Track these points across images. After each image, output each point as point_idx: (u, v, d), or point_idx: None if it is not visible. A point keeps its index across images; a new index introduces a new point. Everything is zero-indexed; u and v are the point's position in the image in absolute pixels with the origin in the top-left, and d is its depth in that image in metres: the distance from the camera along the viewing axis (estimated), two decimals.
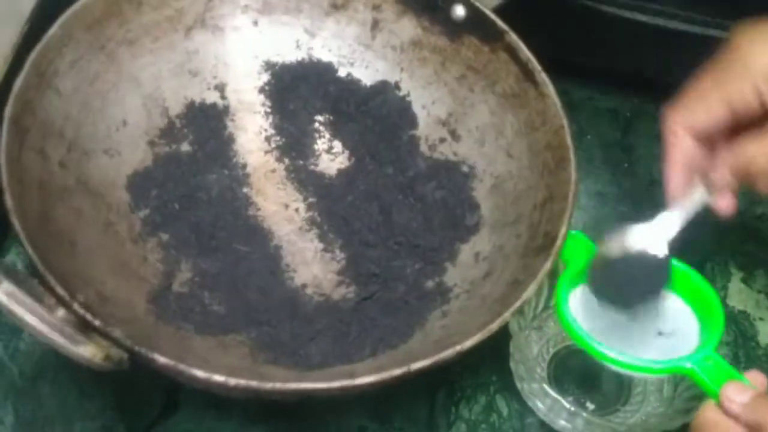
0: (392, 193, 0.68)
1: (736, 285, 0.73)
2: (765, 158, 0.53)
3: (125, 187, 0.64)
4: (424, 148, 0.69)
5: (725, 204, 0.57)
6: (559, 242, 0.55)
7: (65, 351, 0.45)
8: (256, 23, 0.70)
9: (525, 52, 0.64)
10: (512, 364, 0.63)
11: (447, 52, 0.69)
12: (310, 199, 0.69)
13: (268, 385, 0.48)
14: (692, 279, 0.59)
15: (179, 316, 0.59)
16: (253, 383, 0.48)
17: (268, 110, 0.71)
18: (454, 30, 0.68)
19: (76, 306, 0.49)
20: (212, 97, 0.70)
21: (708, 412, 0.51)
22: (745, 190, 0.57)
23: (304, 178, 0.70)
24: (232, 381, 0.48)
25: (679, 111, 0.56)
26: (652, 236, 0.58)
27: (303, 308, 0.62)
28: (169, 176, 0.66)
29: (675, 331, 0.59)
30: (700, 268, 0.71)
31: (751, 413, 0.49)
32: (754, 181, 0.54)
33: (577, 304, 0.58)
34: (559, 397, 0.59)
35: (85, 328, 0.49)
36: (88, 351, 0.45)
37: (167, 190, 0.65)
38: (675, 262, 0.59)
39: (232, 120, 0.70)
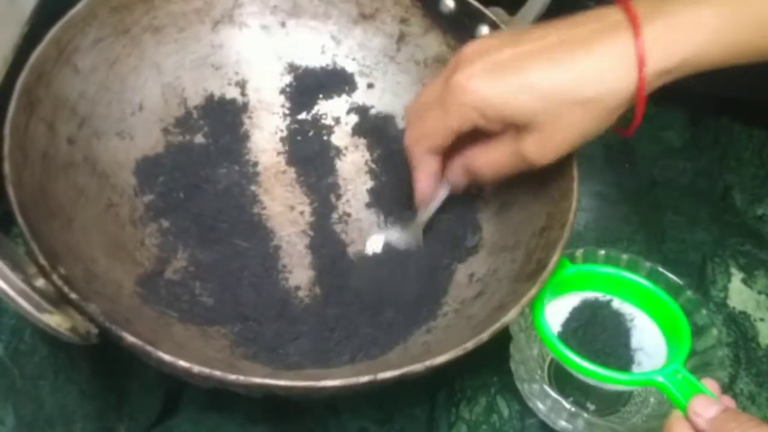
0: (398, 205, 0.67)
1: (736, 286, 0.72)
2: (488, 166, 0.58)
3: (133, 171, 0.64)
4: None
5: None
6: (549, 269, 0.54)
7: (30, 317, 0.45)
8: (283, 24, 0.71)
9: None
10: (513, 365, 0.62)
11: None
12: (316, 204, 0.69)
13: (231, 377, 0.47)
14: (659, 298, 0.61)
15: (165, 303, 0.59)
16: (217, 373, 0.47)
17: (287, 112, 0.71)
18: None
19: (54, 277, 0.49)
20: (232, 92, 0.70)
21: (676, 426, 0.52)
22: None
23: (313, 182, 0.70)
24: (196, 368, 0.47)
25: (419, 140, 0.59)
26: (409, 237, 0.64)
27: (291, 309, 0.62)
28: (179, 165, 0.66)
29: (643, 347, 0.61)
30: (700, 268, 0.73)
31: (716, 428, 0.51)
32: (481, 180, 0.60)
33: (554, 316, 0.60)
34: (560, 398, 0.59)
35: (62, 300, 0.49)
36: (53, 320, 0.45)
37: (174, 178, 0.66)
38: (642, 280, 0.62)
39: (250, 117, 0.71)
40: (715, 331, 0.61)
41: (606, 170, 0.79)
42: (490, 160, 0.57)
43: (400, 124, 0.71)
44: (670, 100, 0.81)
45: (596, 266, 0.63)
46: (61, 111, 0.60)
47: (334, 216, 0.68)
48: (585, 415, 0.59)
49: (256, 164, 0.69)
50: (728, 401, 0.53)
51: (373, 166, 0.70)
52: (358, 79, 0.72)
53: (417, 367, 0.49)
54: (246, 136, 0.70)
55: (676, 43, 0.51)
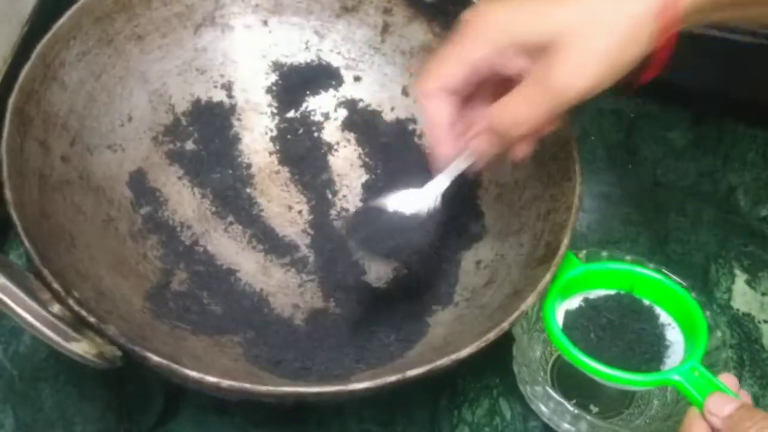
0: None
1: (740, 287, 0.72)
2: (516, 118, 0.50)
3: (127, 183, 0.63)
4: (429, 154, 0.68)
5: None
6: (561, 253, 0.54)
7: (57, 347, 0.44)
8: (266, 23, 0.70)
9: None
10: (515, 367, 0.62)
11: None
12: (313, 202, 0.68)
13: (262, 388, 0.47)
14: (676, 292, 0.59)
15: (176, 315, 0.58)
16: (246, 385, 0.47)
17: (275, 111, 0.71)
18: None
19: (71, 302, 0.48)
20: (219, 95, 0.69)
21: (693, 425, 0.52)
22: None
23: (308, 180, 0.69)
24: (225, 383, 0.47)
25: (424, 77, 0.53)
26: (421, 200, 0.56)
27: (297, 315, 0.62)
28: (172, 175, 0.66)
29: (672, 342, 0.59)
30: (704, 270, 0.73)
31: (731, 427, 0.50)
32: (505, 144, 0.52)
33: (565, 317, 0.59)
34: (563, 400, 0.59)
35: (80, 324, 0.49)
36: (80, 347, 0.44)
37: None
38: (659, 275, 0.60)
39: (239, 119, 0.70)
40: (719, 333, 0.60)
41: (608, 171, 0.78)
42: (515, 108, 0.50)
43: (389, 115, 0.70)
44: (674, 100, 0.81)
45: (608, 263, 0.61)
46: (53, 128, 0.59)
47: (333, 212, 0.68)
48: (588, 417, 0.59)
49: (249, 166, 0.69)
50: (747, 397, 0.52)
51: (367, 159, 0.70)
52: (344, 72, 0.71)
53: (444, 361, 0.49)
54: (236, 139, 0.69)
55: None
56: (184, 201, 0.66)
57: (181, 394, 0.62)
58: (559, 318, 0.58)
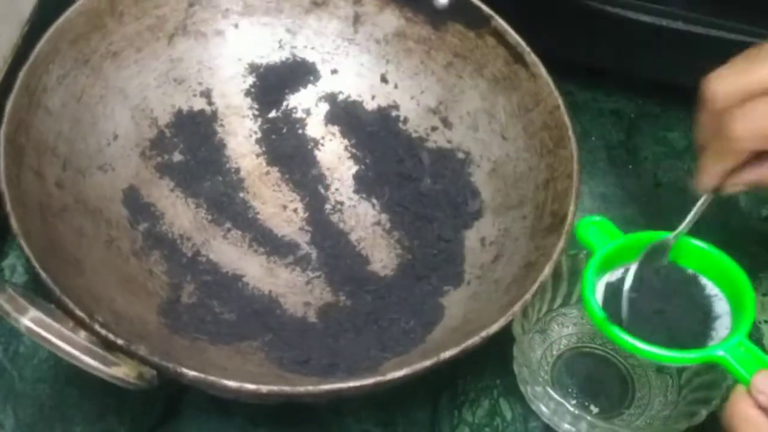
0: (388, 184, 0.68)
1: None
2: None
3: (122, 201, 0.63)
4: (415, 137, 0.69)
5: None
6: (569, 221, 0.55)
7: (98, 372, 0.44)
8: (237, 26, 0.70)
9: (513, 36, 0.64)
10: (516, 368, 0.62)
11: (432, 41, 0.69)
12: (307, 199, 0.68)
13: (301, 389, 0.48)
14: (724, 263, 0.57)
15: (192, 328, 0.58)
16: (286, 388, 0.47)
17: (256, 113, 0.71)
18: (438, 18, 0.67)
19: (97, 327, 0.48)
20: (199, 103, 0.69)
21: (739, 403, 0.49)
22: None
23: (298, 178, 0.69)
24: (265, 388, 0.47)
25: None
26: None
27: (310, 312, 0.62)
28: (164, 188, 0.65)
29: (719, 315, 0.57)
30: None
31: None
32: None
33: (606, 290, 0.57)
34: (563, 401, 0.58)
35: (108, 348, 0.49)
36: (120, 371, 0.44)
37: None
38: (706, 245, 0.58)
39: (222, 125, 0.69)
40: None
41: (609, 172, 0.78)
42: None
43: (371, 104, 0.71)
44: (674, 100, 0.80)
45: (651, 232, 0.58)
46: (44, 156, 0.58)
47: (327, 207, 0.68)
48: (588, 417, 0.58)
49: (238, 171, 0.69)
50: None
51: (354, 150, 0.70)
52: (320, 67, 0.71)
53: (475, 340, 0.50)
54: (222, 145, 0.69)
55: None
56: (180, 213, 0.65)
57: (181, 396, 0.62)
58: (600, 292, 0.56)
